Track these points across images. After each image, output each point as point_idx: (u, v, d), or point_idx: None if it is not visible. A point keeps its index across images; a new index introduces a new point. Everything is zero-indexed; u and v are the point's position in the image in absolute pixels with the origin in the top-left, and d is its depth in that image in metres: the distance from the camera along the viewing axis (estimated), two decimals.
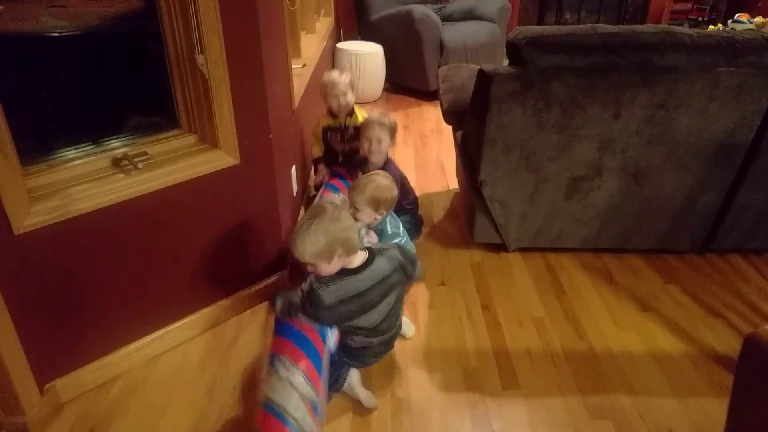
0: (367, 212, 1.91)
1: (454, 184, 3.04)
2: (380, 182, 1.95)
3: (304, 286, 1.56)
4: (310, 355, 1.47)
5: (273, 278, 2.12)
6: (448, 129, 3.72)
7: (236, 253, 1.96)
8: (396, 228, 2.05)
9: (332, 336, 1.60)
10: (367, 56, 4.31)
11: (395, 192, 1.98)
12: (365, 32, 4.66)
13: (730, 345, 1.92)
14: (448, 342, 1.96)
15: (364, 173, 2.29)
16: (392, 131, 2.25)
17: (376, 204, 1.90)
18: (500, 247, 2.43)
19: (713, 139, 1.97)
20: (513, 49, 1.91)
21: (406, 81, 4.55)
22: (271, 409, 1.34)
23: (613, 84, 1.87)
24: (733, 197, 2.13)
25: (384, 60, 4.40)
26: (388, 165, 2.30)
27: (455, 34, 4.31)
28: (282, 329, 1.54)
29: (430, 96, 4.44)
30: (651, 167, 2.05)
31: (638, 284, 2.23)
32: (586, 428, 1.63)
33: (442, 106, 2.43)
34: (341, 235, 1.48)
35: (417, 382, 1.79)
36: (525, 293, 2.20)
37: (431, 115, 4.17)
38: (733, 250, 2.39)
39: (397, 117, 4.12)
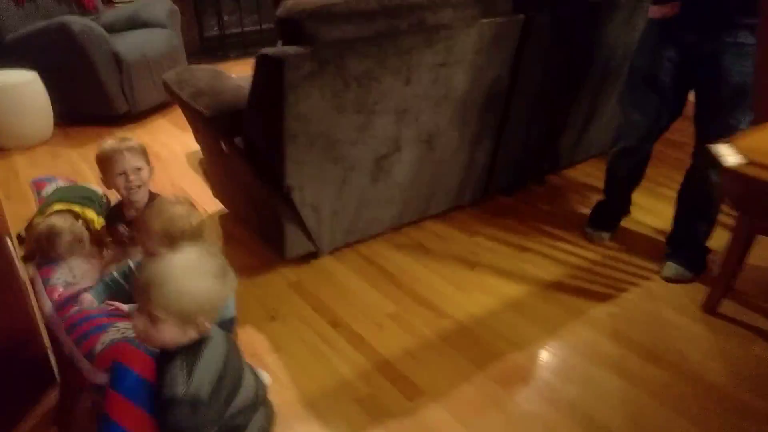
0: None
1: (212, 208, 2.58)
2: (172, 211, 1.47)
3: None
4: None
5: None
6: (169, 149, 3.19)
7: None
8: None
9: None
10: (20, 87, 3.35)
11: (194, 219, 1.51)
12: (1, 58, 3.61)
13: (550, 270, 2.08)
14: (322, 380, 1.63)
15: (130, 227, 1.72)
16: (145, 153, 1.73)
17: (170, 240, 1.44)
18: (309, 256, 2.15)
19: (483, 90, 2.07)
20: (292, 27, 1.63)
21: (83, 108, 3.70)
22: None
23: (400, 50, 1.77)
24: (498, 144, 2.31)
25: (44, 88, 3.48)
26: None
27: (129, 45, 3.67)
28: None
29: (120, 120, 3.70)
30: (440, 129, 2.06)
31: (452, 247, 2.25)
32: (505, 398, 1.55)
33: (197, 117, 1.98)
34: (217, 302, 1.07)
35: None
36: (362, 294, 1.99)
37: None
38: (498, 193, 2.60)
39: (88, 153, 3.32)
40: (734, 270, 1.76)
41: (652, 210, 2.43)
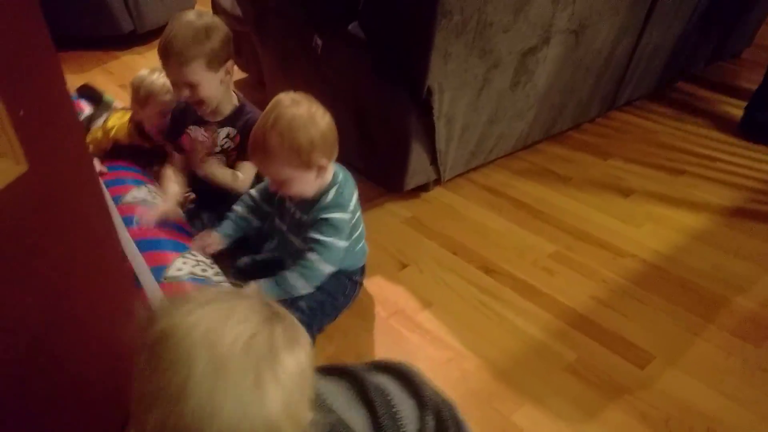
0: (302, 176, 1.07)
1: None
2: (291, 113, 1.03)
3: None
4: None
5: None
6: None
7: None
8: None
9: None
10: None
11: (324, 123, 1.07)
12: None
13: (725, 195, 1.68)
14: (505, 342, 1.22)
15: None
16: (214, 48, 1.24)
17: (308, 153, 1.02)
18: (418, 189, 1.69)
19: None
20: None
21: (80, 29, 3.01)
22: None
23: None
24: (637, 43, 1.86)
25: None
26: (243, 110, 1.34)
27: None
28: None
29: (123, 42, 3.02)
30: (591, 18, 1.60)
31: (588, 171, 1.82)
32: (757, 355, 1.17)
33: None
34: None
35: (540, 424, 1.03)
36: (504, 231, 1.56)
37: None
38: (620, 108, 2.15)
39: (90, 79, 2.72)
40: None
41: None
